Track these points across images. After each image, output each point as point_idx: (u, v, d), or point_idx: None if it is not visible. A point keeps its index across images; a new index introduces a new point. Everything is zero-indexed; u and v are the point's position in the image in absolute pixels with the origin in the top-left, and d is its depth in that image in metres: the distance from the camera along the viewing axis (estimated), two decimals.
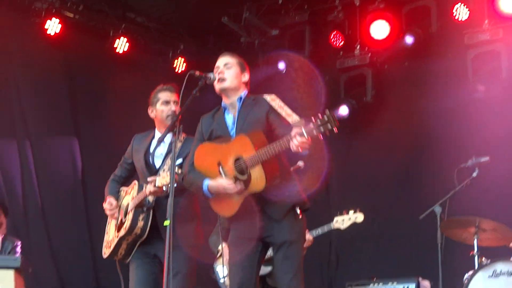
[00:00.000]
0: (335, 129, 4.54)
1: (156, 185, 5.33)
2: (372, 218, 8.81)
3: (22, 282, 6.38)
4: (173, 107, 5.74)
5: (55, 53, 9.48)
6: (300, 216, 5.02)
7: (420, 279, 7.39)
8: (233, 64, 5.22)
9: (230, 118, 5.16)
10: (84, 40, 9.78)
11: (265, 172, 4.81)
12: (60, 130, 9.50)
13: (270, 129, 4.98)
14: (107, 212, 5.79)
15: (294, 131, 4.62)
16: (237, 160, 4.93)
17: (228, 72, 5.16)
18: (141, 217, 5.57)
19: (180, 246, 5.30)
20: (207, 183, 5.03)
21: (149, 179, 5.45)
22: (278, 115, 4.98)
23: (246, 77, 5.25)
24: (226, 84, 5.13)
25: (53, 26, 9.21)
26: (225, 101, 5.20)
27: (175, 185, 5.21)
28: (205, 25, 10.50)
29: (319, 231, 7.30)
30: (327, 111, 4.57)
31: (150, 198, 5.58)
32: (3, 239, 7.17)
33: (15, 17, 9.24)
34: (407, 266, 8.52)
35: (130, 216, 5.60)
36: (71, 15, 9.58)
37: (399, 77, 9.59)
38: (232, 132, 5.09)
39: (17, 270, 6.27)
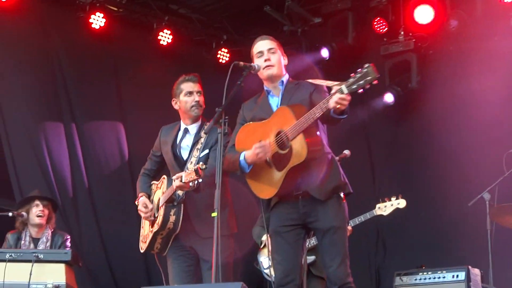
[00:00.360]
0: (375, 81, 4.50)
1: (183, 181, 5.32)
2: (419, 206, 8.77)
3: (73, 276, 6.47)
4: (196, 97, 5.76)
5: (100, 46, 9.54)
6: (344, 201, 5.03)
7: (470, 267, 7.31)
8: (276, 48, 5.22)
9: (274, 101, 5.16)
10: (128, 33, 9.85)
11: (306, 141, 4.78)
12: (107, 122, 9.58)
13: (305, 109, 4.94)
14: (142, 215, 5.83)
15: (334, 89, 4.61)
16: (278, 134, 4.92)
17: (273, 57, 5.16)
18: (172, 211, 5.59)
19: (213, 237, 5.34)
20: (244, 153, 5.03)
21: (174, 177, 5.46)
22: (322, 94, 4.99)
23: (285, 60, 5.26)
24: (274, 70, 5.15)
25: (97, 20, 9.29)
26: (267, 86, 5.21)
27: (200, 180, 5.25)
28: (247, 15, 10.49)
29: (361, 218, 7.27)
30: (366, 64, 4.53)
31: (180, 192, 5.59)
32: (53, 233, 7.26)
33: (60, 12, 9.34)
34: (456, 255, 8.44)
35: (161, 212, 5.61)
36: (115, 8, 9.64)
37: (444, 62, 9.46)
38: None
39: (68, 263, 6.35)
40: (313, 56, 10.32)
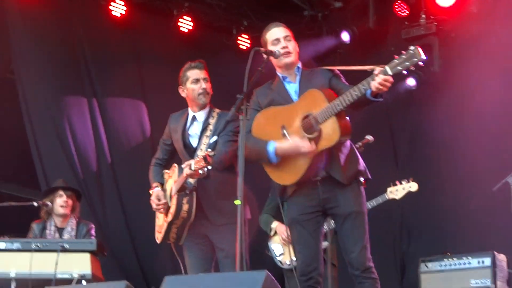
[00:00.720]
0: (421, 63, 4.48)
1: (192, 168, 5.28)
2: (443, 191, 8.72)
3: (99, 265, 6.50)
4: (203, 84, 5.72)
5: (121, 33, 9.57)
6: (365, 187, 5.04)
7: (495, 253, 7.28)
8: (291, 36, 5.19)
9: (292, 87, 5.12)
10: (148, 20, 9.85)
11: (339, 124, 4.75)
12: (130, 109, 9.61)
13: (334, 93, 4.92)
14: (153, 206, 5.78)
15: (377, 70, 4.58)
16: (305, 118, 4.89)
17: (290, 44, 5.13)
18: (185, 200, 5.54)
19: (228, 224, 5.40)
20: (274, 145, 4.94)
21: (183, 165, 5.43)
22: (341, 79, 5.00)
23: (297, 47, 5.23)
24: (292, 57, 5.12)
25: (118, 7, 9.30)
26: (282, 73, 5.16)
27: (209, 167, 5.23)
28: (268, 1, 10.44)
29: (373, 203, 7.19)
30: (411, 46, 4.49)
31: (192, 180, 5.53)
32: (78, 223, 7.29)
33: (82, 1, 9.35)
34: (481, 240, 8.39)
35: (174, 201, 5.58)
36: None
37: (466, 45, 9.38)
38: (295, 99, 5.05)
39: (93, 253, 6.38)
40: (334, 40, 10.29)
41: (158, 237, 5.84)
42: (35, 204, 6.98)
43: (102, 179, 9.11)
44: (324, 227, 6.65)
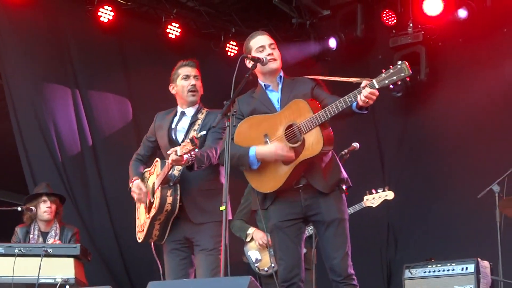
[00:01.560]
0: (407, 78, 4.54)
1: (178, 153, 5.17)
2: (428, 198, 8.74)
3: (82, 270, 6.48)
4: (193, 81, 5.70)
5: (109, 39, 9.56)
6: (346, 194, 5.04)
7: (479, 259, 7.29)
8: (275, 44, 5.19)
9: (274, 96, 5.12)
10: (136, 26, 9.85)
11: (323, 134, 4.77)
12: (117, 114, 9.59)
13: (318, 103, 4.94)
14: (135, 196, 5.69)
15: (364, 82, 4.61)
16: (289, 127, 4.90)
17: (275, 52, 5.13)
18: (169, 192, 5.45)
19: (207, 223, 5.38)
20: (255, 149, 4.95)
21: (169, 151, 5.32)
22: (324, 89, 5.01)
23: (280, 56, 5.23)
24: (277, 64, 5.12)
25: (105, 13, 9.29)
26: (265, 81, 5.16)
27: (196, 150, 5.16)
28: (256, 8, 10.47)
29: (350, 210, 7.17)
30: (399, 61, 4.55)
31: (176, 173, 5.49)
32: (62, 227, 7.27)
33: (69, 6, 9.35)
34: (466, 247, 8.42)
35: (158, 194, 5.47)
36: (123, 1, 9.63)
37: (454, 55, 9.43)
38: (278, 107, 5.06)
39: (77, 258, 6.36)
40: (321, 46, 10.32)
41: (140, 236, 5.73)
42: (19, 209, 6.96)
43: (88, 182, 9.08)
44: (308, 231, 6.71)
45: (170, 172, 5.48)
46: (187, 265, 5.60)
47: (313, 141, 4.79)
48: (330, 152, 5.03)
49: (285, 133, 4.91)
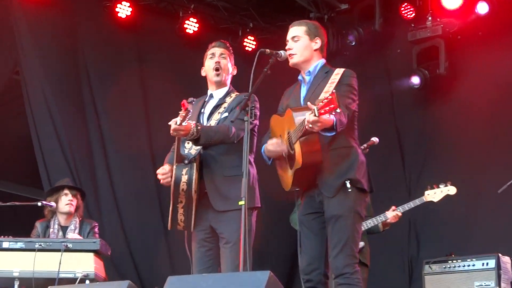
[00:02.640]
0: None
1: (177, 123, 5.04)
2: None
3: (102, 264, 6.50)
4: (217, 59, 5.52)
5: (127, 35, 9.58)
6: (350, 190, 4.84)
7: (500, 255, 7.25)
8: (301, 34, 5.09)
9: (303, 91, 5.09)
10: (154, 22, 9.86)
11: (301, 150, 4.76)
12: (129, 112, 9.59)
13: None
14: (160, 180, 5.43)
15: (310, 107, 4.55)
16: (288, 133, 4.93)
17: (296, 45, 5.06)
18: (184, 171, 5.25)
19: (231, 211, 5.14)
20: (264, 146, 5.05)
21: (170, 122, 5.15)
22: (343, 90, 4.87)
23: (318, 43, 5.10)
24: (295, 59, 5.06)
25: (123, 9, 9.30)
26: (301, 74, 5.14)
27: (189, 114, 5.01)
28: (274, 2, 10.45)
29: (410, 204, 7.16)
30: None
31: (193, 151, 5.33)
32: (81, 222, 7.29)
33: (87, 2, 9.36)
34: (486, 242, 8.37)
35: (173, 173, 5.29)
36: None
37: (473, 48, 9.37)
38: (302, 104, 5.01)
39: (97, 252, 6.38)
40: (341, 44, 10.30)
41: (168, 223, 5.48)
42: (39, 204, 6.98)
43: (98, 183, 9.07)
44: (364, 226, 6.70)
45: (187, 151, 5.35)
46: (213, 256, 5.42)
47: (297, 154, 4.80)
48: (349, 151, 4.93)
49: (287, 137, 4.93)
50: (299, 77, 5.15)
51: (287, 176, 4.97)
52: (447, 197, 7.20)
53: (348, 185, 4.85)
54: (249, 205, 5.06)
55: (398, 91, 9.85)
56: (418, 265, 8.97)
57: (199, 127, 5.14)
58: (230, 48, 5.71)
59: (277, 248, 9.75)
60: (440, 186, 7.19)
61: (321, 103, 4.44)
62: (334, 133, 4.68)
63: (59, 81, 9.02)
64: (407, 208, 7.17)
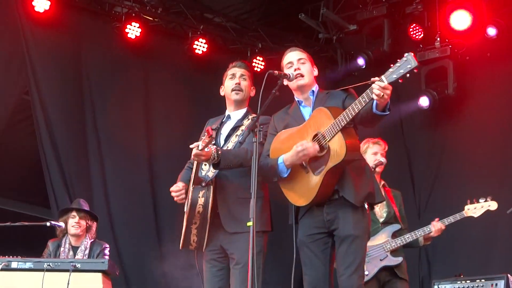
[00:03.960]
0: (415, 69, 4.50)
1: (199, 148, 5.00)
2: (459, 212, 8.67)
3: (110, 284, 6.49)
4: (237, 80, 5.50)
5: (135, 56, 9.61)
6: (368, 211, 4.97)
7: (509, 275, 7.20)
8: (306, 59, 5.20)
9: (306, 111, 5.13)
10: (163, 42, 9.93)
11: (345, 139, 4.72)
12: (135, 132, 9.59)
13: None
14: (174, 197, 5.41)
15: (372, 80, 4.58)
16: (315, 137, 4.88)
17: (303, 67, 5.14)
18: (201, 193, 5.23)
19: (242, 233, 5.08)
20: (282, 156, 4.97)
21: (191, 146, 5.11)
22: (355, 99, 4.88)
23: (316, 71, 5.24)
24: (304, 80, 5.12)
25: (133, 30, 9.36)
26: (298, 97, 5.18)
27: (213, 142, 5.03)
28: (282, 23, 10.50)
29: (451, 219, 6.97)
30: (406, 53, 4.54)
31: (210, 174, 5.30)
32: (92, 243, 7.32)
33: (96, 23, 9.43)
34: (495, 263, 8.33)
35: (189, 195, 5.28)
36: (151, 18, 9.71)
37: (482, 69, 9.38)
38: None
39: (105, 272, 6.37)
40: (349, 65, 10.33)
41: (181, 243, 5.43)
42: (47, 224, 7.00)
43: (95, 209, 9.06)
44: (398, 241, 6.64)
45: (204, 173, 5.33)
46: (224, 276, 5.41)
47: (337, 147, 4.75)
48: (364, 164, 5.02)
49: (312, 142, 4.89)
50: (297, 99, 5.18)
51: (310, 185, 4.89)
52: (487, 212, 7.00)
53: (366, 205, 4.98)
54: (260, 228, 5.15)
55: (407, 112, 9.85)
56: (429, 286, 8.93)
57: (219, 152, 5.13)
58: (250, 68, 5.71)
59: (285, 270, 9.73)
60: (480, 200, 7.00)
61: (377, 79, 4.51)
62: (388, 113, 4.69)
63: (64, 102, 9.06)
64: (447, 223, 6.97)
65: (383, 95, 4.54)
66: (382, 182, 6.92)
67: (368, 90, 4.60)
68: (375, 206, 6.64)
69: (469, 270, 7.92)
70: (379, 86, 4.51)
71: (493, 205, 6.97)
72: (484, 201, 6.99)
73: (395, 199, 6.92)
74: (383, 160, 7.20)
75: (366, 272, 6.74)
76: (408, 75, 4.52)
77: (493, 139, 9.05)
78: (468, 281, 7.37)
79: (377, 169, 6.91)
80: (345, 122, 4.71)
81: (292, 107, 5.21)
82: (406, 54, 4.53)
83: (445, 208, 7.13)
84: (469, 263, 8.79)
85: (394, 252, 6.70)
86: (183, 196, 5.37)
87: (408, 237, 6.75)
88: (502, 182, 8.79)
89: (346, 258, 4.87)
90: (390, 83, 4.53)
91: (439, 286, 7.48)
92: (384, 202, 6.76)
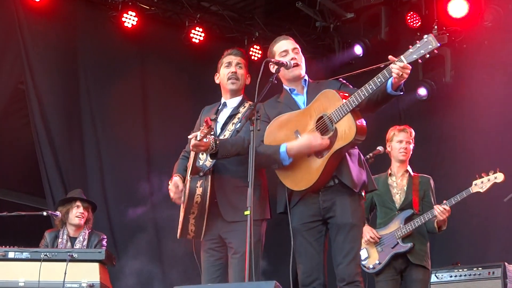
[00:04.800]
0: (435, 51, 4.50)
1: (197, 138, 4.95)
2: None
3: (107, 275, 6.49)
4: (233, 68, 5.45)
5: (132, 45, 9.60)
6: (364, 199, 5.00)
7: (506, 264, 7.21)
8: (298, 48, 5.19)
9: (300, 99, 5.11)
10: (160, 31, 9.91)
11: (355, 122, 4.69)
12: (131, 122, 9.59)
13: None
14: (171, 195, 5.41)
15: (391, 60, 4.58)
16: (319, 119, 4.85)
17: (298, 57, 5.12)
18: (198, 183, 5.19)
19: (240, 222, 5.01)
20: (285, 145, 4.90)
21: (189, 136, 5.10)
22: (349, 87, 4.94)
23: (304, 61, 5.22)
24: (301, 69, 5.11)
25: (129, 18, 9.33)
26: (289, 85, 5.17)
27: (212, 132, 4.97)
28: (279, 11, 10.47)
29: (457, 198, 6.75)
30: (425, 35, 4.52)
31: (208, 163, 5.27)
32: (90, 234, 7.30)
33: (93, 12, 9.42)
34: (492, 251, 8.34)
35: (187, 185, 5.24)
36: (147, 7, 9.69)
37: (479, 57, 9.36)
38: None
39: (102, 262, 6.37)
40: (347, 53, 10.31)
41: (178, 232, 5.41)
42: (44, 213, 6.99)
43: (89, 194, 9.06)
44: (409, 227, 6.59)
45: (202, 163, 5.30)
46: (222, 265, 5.38)
47: (346, 129, 4.72)
48: (357, 152, 4.99)
49: (316, 125, 4.86)
50: (287, 88, 5.15)
51: (312, 169, 4.85)
52: (493, 186, 6.78)
53: (363, 193, 4.98)
54: (259, 217, 5.14)
55: (405, 101, 9.84)
56: None
57: (217, 142, 5.09)
58: (246, 56, 5.67)
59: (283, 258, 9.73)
60: (489, 173, 6.80)
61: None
62: (402, 94, 4.71)
63: (60, 92, 9.07)
64: (453, 202, 6.85)
65: (402, 74, 4.53)
66: (405, 169, 6.88)
67: (384, 70, 4.58)
68: (396, 194, 6.76)
69: (467, 259, 7.92)
70: (399, 66, 4.50)
71: (499, 177, 6.75)
72: (492, 173, 6.79)
73: (420, 184, 6.84)
74: (381, 148, 7.18)
75: (377, 262, 6.73)
76: (428, 55, 4.48)
77: (491, 126, 9.03)
78: (465, 270, 7.38)
79: (401, 157, 6.87)
80: (357, 103, 4.67)
81: (283, 95, 5.17)
82: (425, 36, 4.51)
83: (445, 195, 7.10)
84: (467, 252, 8.80)
85: (406, 239, 6.65)
86: (180, 194, 5.34)
87: (417, 221, 6.67)
88: (501, 169, 8.76)
89: (345, 247, 4.87)
90: (409, 63, 4.52)
91: (437, 274, 7.48)
92: (404, 188, 6.77)
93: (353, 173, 4.88)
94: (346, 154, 4.87)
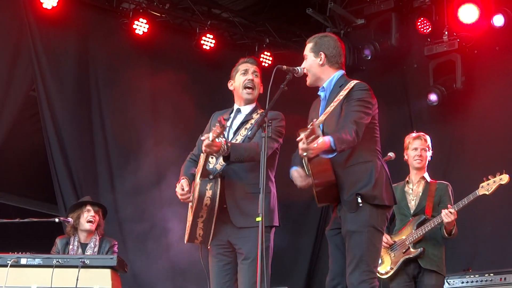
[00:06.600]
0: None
1: (210, 139, 4.90)
2: (467, 207, 8.65)
3: (119, 280, 6.50)
4: (250, 76, 5.44)
5: (143, 52, 9.62)
6: (361, 205, 4.82)
7: None
8: (307, 52, 5.14)
9: (322, 106, 5.09)
10: (171, 38, 9.93)
11: (312, 171, 4.90)
12: (142, 129, 9.59)
13: None
14: (179, 197, 5.36)
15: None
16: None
17: (305, 65, 5.10)
18: (208, 186, 5.15)
19: (250, 228, 5.04)
20: (292, 169, 5.12)
21: (202, 137, 5.07)
22: (352, 105, 4.87)
23: (322, 58, 5.09)
24: (308, 79, 5.13)
25: (141, 26, 9.36)
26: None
27: (224, 133, 5.00)
28: (290, 17, 10.48)
29: (464, 201, 6.77)
30: None
31: (218, 166, 5.25)
32: (101, 240, 7.30)
33: (104, 19, 9.45)
34: (505, 257, 8.31)
35: (197, 188, 5.20)
36: (158, 14, 9.72)
37: (490, 63, 9.34)
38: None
39: (114, 269, 6.38)
40: (357, 59, 10.30)
41: (186, 237, 5.40)
42: (56, 220, 7.00)
43: (100, 200, 9.05)
44: (420, 232, 6.62)
45: (212, 166, 5.28)
46: (231, 270, 5.37)
47: (311, 176, 4.93)
48: (370, 165, 4.90)
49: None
50: (318, 92, 5.17)
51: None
52: (500, 187, 6.78)
53: (359, 200, 4.83)
54: (267, 223, 5.10)
55: (415, 107, 9.84)
56: None
57: (229, 144, 5.07)
58: (260, 66, 5.67)
59: (293, 264, 9.74)
60: (496, 175, 6.80)
61: (306, 133, 4.49)
62: (335, 154, 4.67)
63: (71, 99, 9.10)
64: (461, 206, 6.76)
65: (307, 155, 4.61)
66: (422, 175, 6.90)
67: None
68: (411, 200, 6.81)
69: (480, 265, 7.90)
70: (301, 149, 4.53)
71: (504, 178, 6.75)
72: (498, 175, 6.78)
73: (437, 191, 6.84)
74: (392, 154, 7.17)
75: (388, 267, 6.74)
76: None
77: (502, 131, 9.01)
78: (477, 276, 7.36)
79: (417, 165, 6.89)
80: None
81: (318, 101, 5.18)
82: None
83: (457, 201, 7.08)
84: (481, 258, 8.76)
85: (417, 243, 6.64)
86: (189, 195, 5.32)
87: (427, 226, 6.66)
88: (509, 175, 8.75)
89: (348, 256, 4.88)
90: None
91: (448, 280, 7.46)
92: (420, 194, 6.81)
93: (345, 195, 4.88)
94: (346, 171, 4.87)
